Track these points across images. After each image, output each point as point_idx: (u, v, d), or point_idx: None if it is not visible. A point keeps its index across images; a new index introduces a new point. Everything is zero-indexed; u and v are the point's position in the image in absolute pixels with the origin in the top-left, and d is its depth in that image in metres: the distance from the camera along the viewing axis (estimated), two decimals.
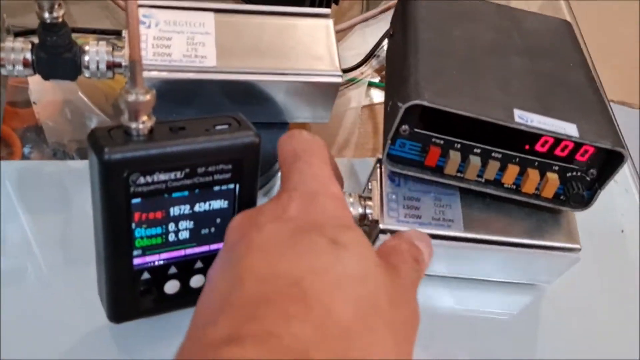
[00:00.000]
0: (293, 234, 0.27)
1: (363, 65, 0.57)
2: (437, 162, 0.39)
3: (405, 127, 0.38)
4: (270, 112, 0.43)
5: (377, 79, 0.59)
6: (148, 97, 0.30)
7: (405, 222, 0.38)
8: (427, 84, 0.37)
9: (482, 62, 0.40)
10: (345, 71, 0.53)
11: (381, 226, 0.38)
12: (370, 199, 0.39)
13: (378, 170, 0.40)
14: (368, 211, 0.39)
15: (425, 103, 0.36)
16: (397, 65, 0.42)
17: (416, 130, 0.38)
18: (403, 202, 0.39)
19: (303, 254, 0.25)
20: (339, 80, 0.41)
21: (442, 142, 0.38)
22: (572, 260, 0.40)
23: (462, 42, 0.43)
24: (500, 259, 0.40)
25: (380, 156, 0.40)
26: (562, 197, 0.39)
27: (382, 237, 0.38)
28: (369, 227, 0.40)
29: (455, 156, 0.38)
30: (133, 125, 0.30)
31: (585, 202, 0.39)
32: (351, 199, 0.39)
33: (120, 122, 0.31)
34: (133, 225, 0.32)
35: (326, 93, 0.42)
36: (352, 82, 0.57)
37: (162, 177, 0.31)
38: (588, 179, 0.39)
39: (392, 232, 0.37)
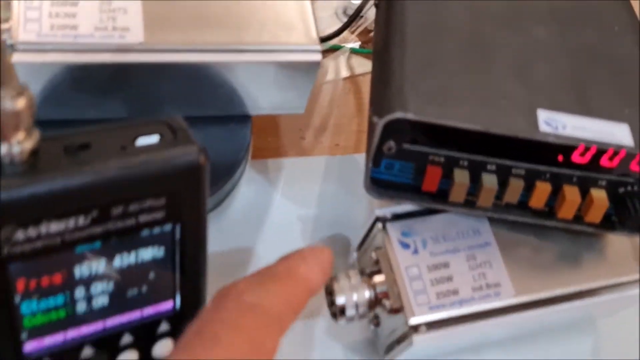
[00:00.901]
0: None
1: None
2: (439, 186, 0.30)
3: (390, 144, 0.29)
4: (225, 103, 0.35)
5: (358, 44, 0.50)
6: (21, 102, 0.20)
7: (441, 306, 0.29)
8: (414, 85, 0.29)
9: (491, 41, 0.33)
10: (322, 40, 0.42)
11: (412, 321, 0.28)
12: (377, 272, 0.30)
13: (382, 235, 0.30)
14: (379, 290, 0.30)
15: (410, 116, 0.27)
16: (378, 55, 0.34)
17: (406, 147, 0.28)
18: (429, 275, 0.29)
19: None
20: (318, 58, 0.32)
21: (442, 159, 0.28)
22: None
23: (465, 13, 0.34)
24: (562, 313, 0.32)
25: (378, 213, 0.31)
26: (613, 219, 0.30)
27: (417, 339, 0.28)
28: (384, 314, 0.31)
29: (462, 177, 0.30)
30: (2, 149, 0.20)
31: None
32: (353, 281, 0.30)
33: None
34: (16, 298, 0.22)
35: (301, 75, 0.34)
36: (329, 49, 0.49)
37: (54, 227, 0.21)
38: None
39: (428, 326, 0.28)
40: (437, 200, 0.30)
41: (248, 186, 0.37)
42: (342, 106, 0.46)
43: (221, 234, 0.35)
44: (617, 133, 0.28)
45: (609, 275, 0.31)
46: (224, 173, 0.34)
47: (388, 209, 0.31)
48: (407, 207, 0.31)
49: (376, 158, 0.30)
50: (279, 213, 0.37)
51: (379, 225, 0.31)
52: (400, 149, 0.29)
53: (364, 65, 0.48)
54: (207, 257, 0.26)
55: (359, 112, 0.46)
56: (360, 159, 0.41)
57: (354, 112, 0.46)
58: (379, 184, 0.31)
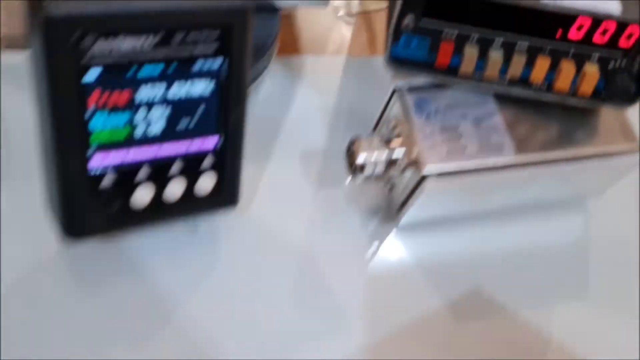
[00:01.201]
0: None
1: None
2: (450, 62, 0.33)
3: (409, 17, 0.32)
4: None
5: None
6: None
7: (451, 159, 0.32)
8: None
9: None
10: None
11: (425, 171, 0.32)
12: (396, 137, 0.34)
13: (399, 103, 0.33)
14: (397, 156, 0.33)
15: None
16: None
17: (423, 21, 0.32)
18: (440, 136, 0.33)
19: None
20: None
21: (455, 35, 0.32)
22: (634, 162, 0.34)
23: None
24: (557, 176, 0.35)
25: (396, 87, 0.34)
26: (602, 93, 0.34)
27: (429, 186, 0.32)
28: (398, 176, 0.34)
29: (471, 52, 0.33)
30: None
31: (632, 97, 0.34)
32: (374, 143, 0.33)
33: None
34: (87, 112, 0.25)
35: None
36: None
37: (127, 43, 0.24)
38: (635, 69, 0.33)
39: (439, 175, 0.32)
40: (448, 75, 0.34)
41: (272, 78, 0.40)
42: (355, 39, 0.47)
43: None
44: (607, 4, 0.31)
45: (599, 144, 0.34)
46: (255, 52, 0.37)
47: (405, 82, 0.34)
48: (421, 82, 0.35)
49: (396, 33, 0.33)
50: (300, 103, 0.40)
51: (397, 95, 0.34)
52: (417, 24, 0.33)
53: (375, 4, 0.49)
54: (247, 101, 0.29)
55: (370, 45, 0.47)
56: (376, 61, 0.45)
57: (365, 46, 0.47)
58: (398, 61, 0.34)
